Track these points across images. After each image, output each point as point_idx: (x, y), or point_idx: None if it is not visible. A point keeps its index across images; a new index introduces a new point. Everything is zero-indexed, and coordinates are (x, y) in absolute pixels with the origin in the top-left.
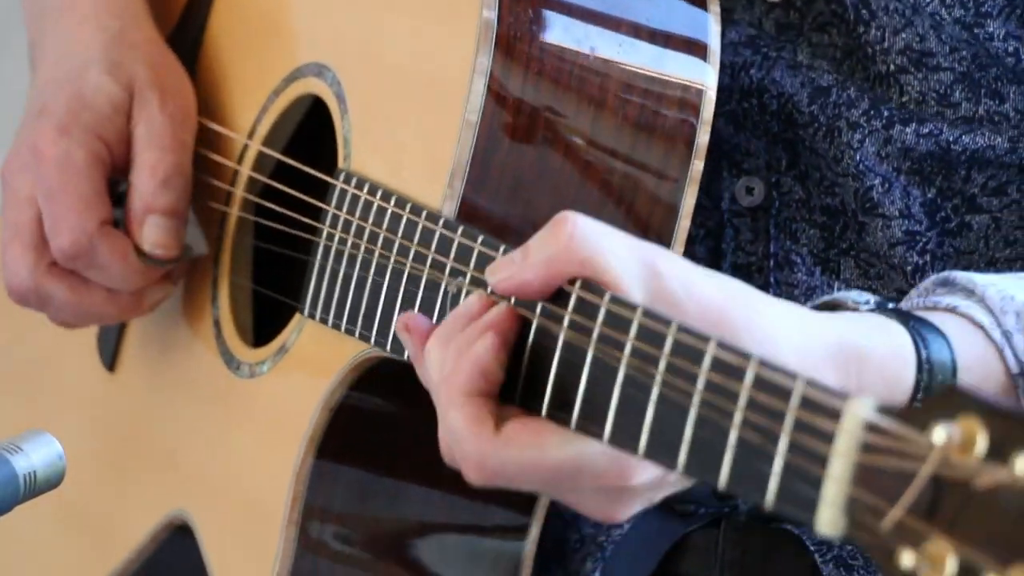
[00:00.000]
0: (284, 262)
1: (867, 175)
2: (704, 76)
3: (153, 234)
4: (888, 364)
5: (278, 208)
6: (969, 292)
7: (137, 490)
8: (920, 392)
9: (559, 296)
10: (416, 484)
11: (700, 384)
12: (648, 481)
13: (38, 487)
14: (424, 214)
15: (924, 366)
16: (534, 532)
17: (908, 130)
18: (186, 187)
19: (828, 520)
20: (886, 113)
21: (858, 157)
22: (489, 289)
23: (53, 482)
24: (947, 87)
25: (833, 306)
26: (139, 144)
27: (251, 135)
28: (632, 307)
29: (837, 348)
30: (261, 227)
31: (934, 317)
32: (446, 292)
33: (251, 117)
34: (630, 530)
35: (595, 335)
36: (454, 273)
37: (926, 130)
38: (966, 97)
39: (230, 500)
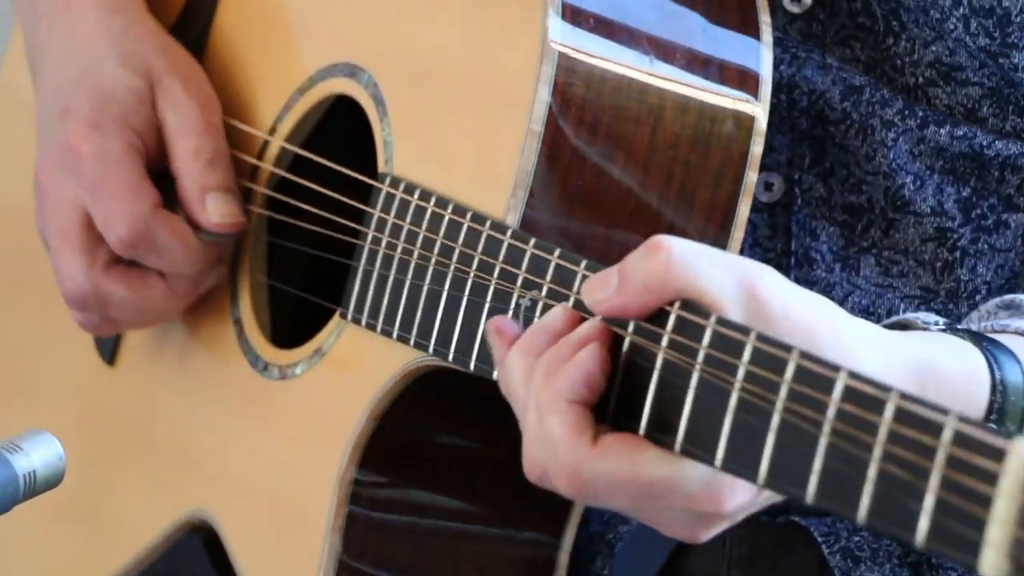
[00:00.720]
0: (301, 261)
1: (899, 173)
2: (760, 86)
3: (216, 207)
4: (963, 385)
5: (304, 206)
6: None
7: (148, 488)
8: (993, 413)
9: (658, 315)
10: (457, 495)
11: (831, 413)
12: (740, 505)
13: (38, 487)
14: (489, 223)
15: (998, 387)
16: (568, 538)
17: (942, 131)
18: (230, 166)
19: (992, 562)
20: (920, 114)
21: (891, 155)
22: (571, 302)
23: (53, 482)
24: (975, 102)
25: (902, 326)
26: (173, 132)
27: (272, 132)
28: (744, 330)
29: (915, 367)
30: (277, 225)
31: (1005, 339)
32: (518, 304)
33: (272, 114)
34: (638, 527)
35: (701, 357)
36: (527, 285)
37: (960, 132)
38: (993, 113)
39: (260, 503)
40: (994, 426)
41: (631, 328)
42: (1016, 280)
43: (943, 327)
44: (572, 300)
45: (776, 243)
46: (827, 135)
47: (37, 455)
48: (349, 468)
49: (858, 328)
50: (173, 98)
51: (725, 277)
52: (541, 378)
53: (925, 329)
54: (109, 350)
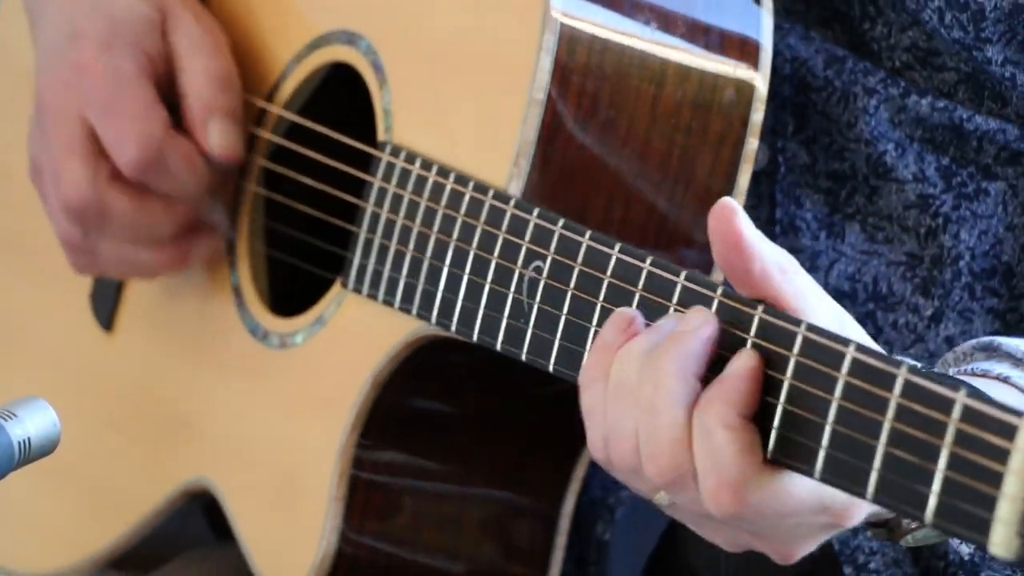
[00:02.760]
0: (300, 228)
1: (880, 140)
2: (760, 53)
3: (218, 136)
4: None
5: (301, 177)
6: (1017, 361)
7: (147, 455)
8: None
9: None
10: (458, 462)
11: (839, 389)
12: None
13: (33, 454)
14: (491, 193)
15: None
16: (569, 504)
17: (924, 102)
18: (240, 92)
19: (1002, 540)
20: (902, 84)
21: (872, 123)
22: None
23: (48, 449)
24: (951, 87)
25: None
26: (184, 52)
27: (270, 99)
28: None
29: None
30: (279, 190)
31: (985, 384)
32: (521, 277)
33: (269, 81)
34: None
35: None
36: (531, 256)
37: (941, 104)
38: (969, 97)
39: (261, 471)
40: None
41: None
42: (1000, 246)
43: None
44: (576, 271)
45: (761, 211)
46: (809, 102)
47: (32, 422)
48: (351, 437)
49: None
50: (185, 25)
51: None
52: (712, 393)
53: None
54: (106, 316)
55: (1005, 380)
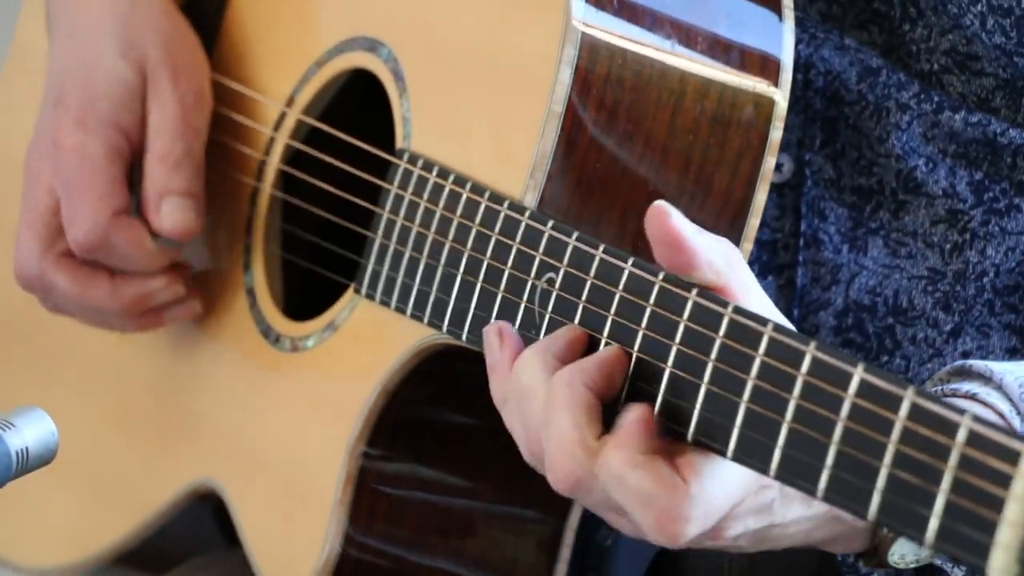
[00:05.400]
0: (316, 232)
1: (911, 156)
2: (781, 72)
3: (170, 212)
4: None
5: (318, 183)
6: (986, 379)
7: (158, 455)
8: None
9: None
10: (465, 471)
11: (845, 410)
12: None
13: (31, 463)
14: (507, 204)
15: None
16: (575, 514)
17: (957, 117)
18: (198, 171)
19: (1001, 565)
20: (936, 98)
21: (904, 138)
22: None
23: (46, 458)
24: (989, 92)
25: None
26: (151, 132)
27: (289, 103)
28: (762, 321)
29: None
30: (295, 195)
31: (955, 402)
32: (534, 288)
33: (289, 85)
34: None
35: (715, 349)
36: (544, 267)
37: (975, 119)
38: (1006, 104)
39: (267, 474)
40: None
41: (635, 345)
42: None
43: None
44: (588, 284)
45: (784, 223)
46: (840, 116)
47: (30, 432)
48: (358, 443)
49: None
50: (160, 96)
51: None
52: (612, 451)
53: None
54: None
55: (972, 397)
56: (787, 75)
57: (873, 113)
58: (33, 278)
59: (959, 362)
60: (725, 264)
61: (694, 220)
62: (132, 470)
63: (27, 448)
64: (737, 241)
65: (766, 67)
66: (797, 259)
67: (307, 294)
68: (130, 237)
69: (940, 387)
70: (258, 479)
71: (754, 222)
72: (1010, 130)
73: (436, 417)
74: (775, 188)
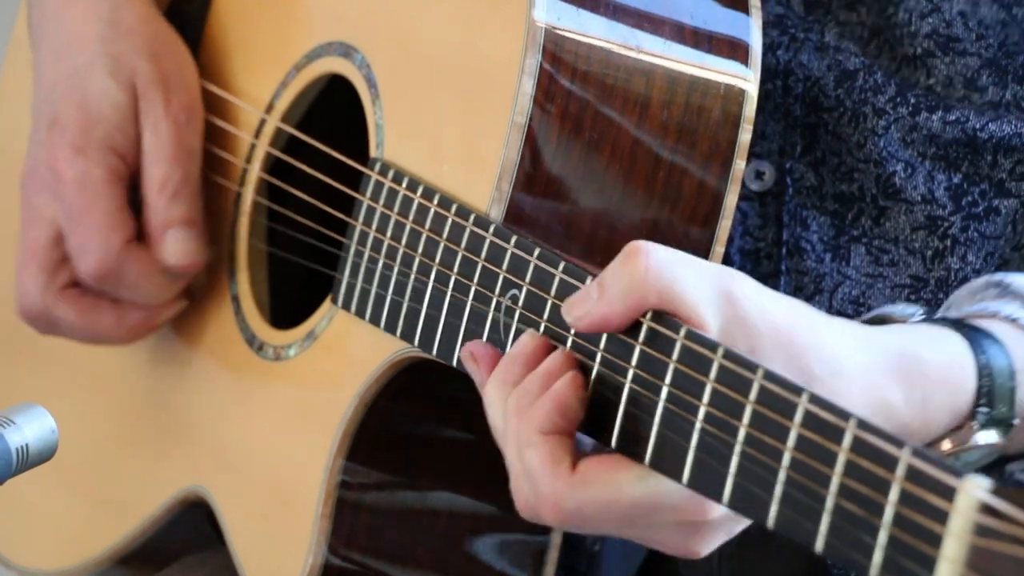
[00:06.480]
0: (299, 240)
1: (890, 161)
2: (746, 74)
3: (175, 246)
4: (948, 372)
5: (295, 191)
6: None
7: (150, 461)
8: (983, 398)
9: (633, 328)
10: (446, 481)
11: (791, 440)
12: (726, 514)
13: (31, 460)
14: (472, 218)
15: (983, 371)
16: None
17: (934, 117)
18: (196, 195)
19: None
20: (912, 100)
21: (882, 143)
22: (541, 328)
23: (46, 455)
24: (974, 72)
25: (880, 320)
26: (147, 157)
27: (269, 109)
28: (712, 346)
29: (898, 361)
30: (277, 201)
31: (993, 326)
32: (499, 304)
33: (269, 90)
34: None
35: (670, 374)
36: (508, 285)
37: (952, 117)
38: (993, 82)
39: (252, 482)
40: (985, 410)
41: (599, 358)
42: (1005, 268)
43: (922, 317)
44: (549, 304)
45: (767, 232)
46: (820, 123)
47: (30, 429)
48: (337, 456)
49: (837, 326)
50: (153, 115)
51: (702, 280)
52: (514, 415)
53: (903, 322)
54: None
55: (1013, 321)
56: (755, 78)
57: (851, 119)
58: (38, 313)
59: (997, 275)
60: (643, 269)
61: (665, 226)
62: (126, 476)
63: (27, 445)
64: (709, 244)
65: (733, 73)
66: (780, 268)
67: (294, 301)
68: (141, 267)
69: (977, 306)
70: (243, 488)
71: (725, 223)
72: (990, 124)
73: (415, 429)
74: (758, 197)
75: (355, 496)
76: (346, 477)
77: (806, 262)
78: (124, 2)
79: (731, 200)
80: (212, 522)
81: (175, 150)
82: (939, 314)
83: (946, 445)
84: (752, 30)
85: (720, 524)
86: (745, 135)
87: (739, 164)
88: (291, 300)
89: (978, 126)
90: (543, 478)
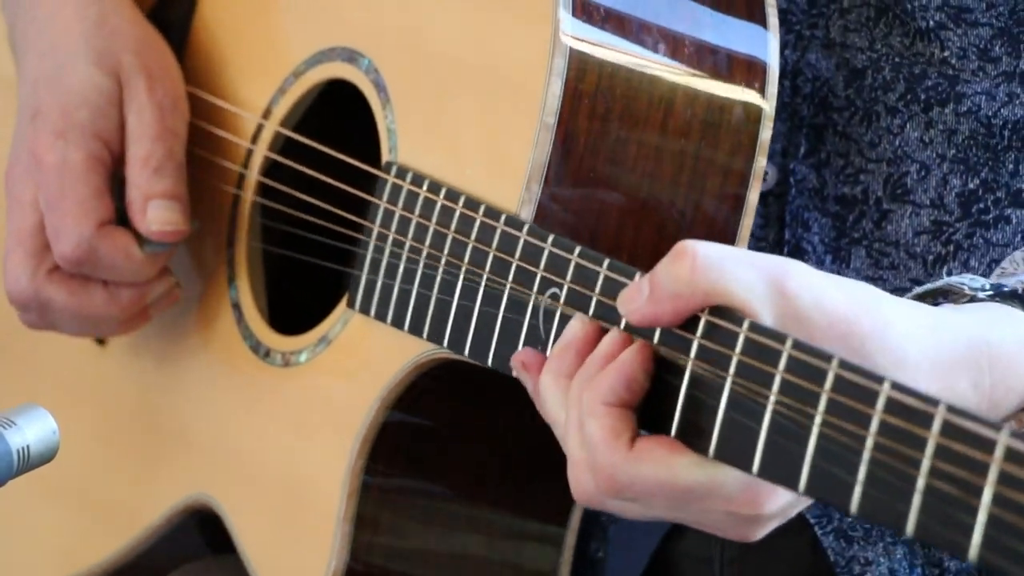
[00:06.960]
0: (299, 244)
1: (904, 161)
2: (768, 74)
3: (157, 215)
4: (1018, 357)
5: (296, 193)
6: None
7: (147, 471)
8: None
9: (690, 322)
10: (467, 484)
11: (874, 426)
12: (782, 506)
13: (32, 462)
14: (503, 218)
15: None
16: (569, 540)
17: (947, 111)
18: (180, 172)
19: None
20: (923, 96)
21: (897, 142)
22: (593, 303)
23: (47, 456)
24: (987, 42)
25: (944, 292)
26: (130, 136)
27: (266, 115)
28: (780, 337)
29: (967, 346)
30: (274, 208)
31: None
32: (536, 306)
33: (265, 97)
34: None
35: (733, 366)
36: (546, 284)
37: (964, 108)
38: (1007, 52)
39: (265, 488)
40: None
41: (657, 338)
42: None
43: (990, 291)
44: (594, 301)
45: (768, 232)
46: (829, 123)
47: (31, 430)
48: (359, 458)
49: (902, 312)
50: (137, 100)
51: (753, 276)
52: (579, 388)
53: (971, 296)
54: None
55: None
56: (773, 75)
57: (863, 119)
58: (28, 297)
59: None
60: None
61: (689, 224)
62: (124, 486)
63: (28, 446)
64: (732, 240)
65: (752, 70)
66: None
67: (293, 307)
68: (116, 247)
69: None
70: (256, 494)
71: (747, 221)
72: (1002, 110)
73: (437, 430)
74: (760, 197)
75: (376, 500)
76: (367, 481)
77: (806, 263)
78: (111, 7)
79: (753, 197)
80: (203, 531)
81: (159, 129)
82: (995, 277)
83: (1013, 425)
84: (769, 43)
85: (773, 515)
86: (766, 133)
87: (760, 162)
88: (289, 306)
89: (991, 113)
90: (602, 449)
